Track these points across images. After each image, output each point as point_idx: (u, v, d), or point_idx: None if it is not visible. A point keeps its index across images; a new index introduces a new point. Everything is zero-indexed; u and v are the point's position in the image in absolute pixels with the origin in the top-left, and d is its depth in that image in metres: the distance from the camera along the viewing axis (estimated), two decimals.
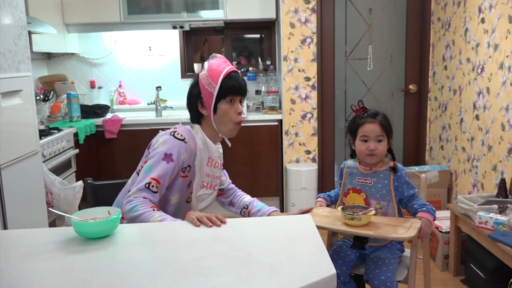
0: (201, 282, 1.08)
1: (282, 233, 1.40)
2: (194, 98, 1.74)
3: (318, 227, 1.48)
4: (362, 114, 1.99)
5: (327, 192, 2.11)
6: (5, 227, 2.04)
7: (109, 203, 1.79)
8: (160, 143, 1.67)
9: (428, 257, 2.07)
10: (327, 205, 2.06)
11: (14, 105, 2.25)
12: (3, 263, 1.23)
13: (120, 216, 1.39)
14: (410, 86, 3.94)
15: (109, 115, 4.02)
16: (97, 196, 2.00)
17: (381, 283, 1.78)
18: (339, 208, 1.86)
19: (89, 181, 2.02)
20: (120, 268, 1.17)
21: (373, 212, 1.81)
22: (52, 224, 2.87)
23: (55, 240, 1.37)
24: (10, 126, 2.19)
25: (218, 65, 1.71)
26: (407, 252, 2.00)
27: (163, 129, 1.80)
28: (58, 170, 3.13)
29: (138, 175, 1.68)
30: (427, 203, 1.93)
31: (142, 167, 1.68)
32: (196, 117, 1.78)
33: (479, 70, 3.04)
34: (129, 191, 1.64)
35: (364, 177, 1.97)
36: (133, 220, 1.56)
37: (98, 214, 1.43)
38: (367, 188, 1.96)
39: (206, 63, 1.74)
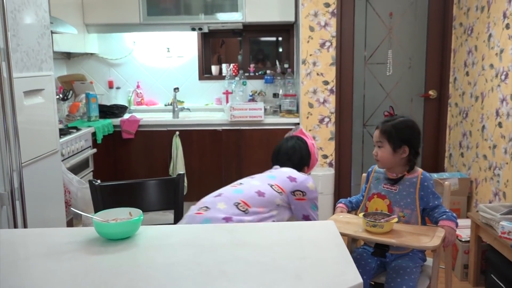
0: (225, 287, 1.06)
1: (305, 239, 1.38)
2: (306, 161, 2.27)
3: None
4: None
5: (348, 198, 2.08)
6: (25, 225, 2.04)
7: (116, 205, 1.75)
8: (312, 187, 2.05)
9: (450, 266, 2.02)
10: (348, 211, 2.03)
11: (36, 104, 2.26)
12: (24, 262, 1.22)
13: (142, 218, 1.38)
14: (430, 92, 3.89)
15: (126, 116, 4.04)
16: (103, 198, 1.99)
17: None
18: (361, 214, 1.83)
19: (94, 182, 2.00)
20: (142, 271, 1.16)
21: (396, 219, 1.77)
22: (69, 223, 2.88)
23: (76, 240, 1.36)
24: (31, 125, 2.20)
25: (315, 146, 2.33)
26: (429, 261, 1.96)
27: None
28: (76, 169, 3.15)
29: (271, 187, 1.99)
30: (447, 210, 1.89)
31: (280, 189, 2.00)
32: (299, 168, 2.21)
33: (503, 77, 2.98)
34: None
35: (390, 183, 1.94)
36: None
37: (119, 215, 1.42)
38: (392, 194, 1.92)
39: (308, 134, 2.35)
